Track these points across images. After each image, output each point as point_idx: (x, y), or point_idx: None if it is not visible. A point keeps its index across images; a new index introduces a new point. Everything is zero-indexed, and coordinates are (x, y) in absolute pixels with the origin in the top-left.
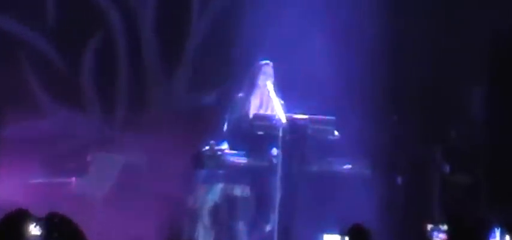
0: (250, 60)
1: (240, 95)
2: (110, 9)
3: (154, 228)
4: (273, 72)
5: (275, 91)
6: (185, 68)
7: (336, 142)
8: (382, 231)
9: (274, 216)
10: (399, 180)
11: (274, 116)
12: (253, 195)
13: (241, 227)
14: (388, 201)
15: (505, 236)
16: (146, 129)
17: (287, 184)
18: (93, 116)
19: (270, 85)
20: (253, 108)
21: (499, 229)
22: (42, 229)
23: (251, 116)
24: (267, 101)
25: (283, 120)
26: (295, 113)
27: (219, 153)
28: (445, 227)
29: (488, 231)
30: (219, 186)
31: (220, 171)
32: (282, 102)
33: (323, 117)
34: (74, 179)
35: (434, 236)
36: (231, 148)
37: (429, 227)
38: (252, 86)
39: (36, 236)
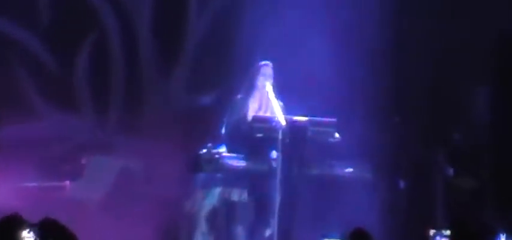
0: (250, 60)
1: (239, 96)
2: (105, 8)
3: (150, 233)
4: (273, 73)
5: (274, 92)
6: (183, 68)
7: (337, 144)
8: (384, 235)
9: (274, 221)
10: (401, 183)
11: (274, 118)
12: (252, 200)
13: (240, 231)
14: (390, 205)
15: None
16: (142, 132)
17: (287, 188)
18: (87, 118)
19: (269, 86)
20: (252, 110)
21: (505, 234)
22: (35, 235)
23: (250, 118)
24: (266, 102)
25: (283, 122)
26: (295, 115)
27: (217, 156)
28: (447, 232)
29: (493, 236)
30: (217, 190)
31: (219, 175)
32: (282, 103)
33: (324, 119)
34: (68, 182)
35: None
36: (229, 151)
37: (432, 232)
38: (251, 87)
39: None
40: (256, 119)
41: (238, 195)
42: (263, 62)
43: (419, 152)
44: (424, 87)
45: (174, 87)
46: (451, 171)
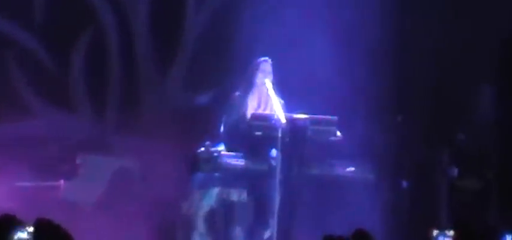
0: (249, 58)
1: (238, 93)
2: (102, 6)
3: (147, 234)
4: (272, 70)
5: (274, 90)
6: (180, 66)
7: (338, 143)
8: (386, 237)
9: (273, 222)
10: (404, 183)
11: (273, 115)
12: (251, 200)
13: (238, 233)
14: (392, 205)
15: None
16: (139, 131)
17: (287, 188)
18: (83, 117)
19: (268, 83)
20: (251, 107)
21: (510, 235)
22: (29, 235)
23: (249, 116)
24: (266, 100)
25: (283, 121)
26: (296, 113)
27: (215, 155)
28: (451, 233)
29: (498, 237)
30: (215, 191)
31: (217, 175)
32: (282, 101)
33: (325, 117)
34: (62, 182)
35: None
36: (227, 150)
37: (435, 232)
38: (250, 84)
39: None
40: (255, 117)
41: (237, 195)
42: (262, 59)
43: (422, 152)
44: (427, 86)
45: (171, 85)
46: (454, 171)
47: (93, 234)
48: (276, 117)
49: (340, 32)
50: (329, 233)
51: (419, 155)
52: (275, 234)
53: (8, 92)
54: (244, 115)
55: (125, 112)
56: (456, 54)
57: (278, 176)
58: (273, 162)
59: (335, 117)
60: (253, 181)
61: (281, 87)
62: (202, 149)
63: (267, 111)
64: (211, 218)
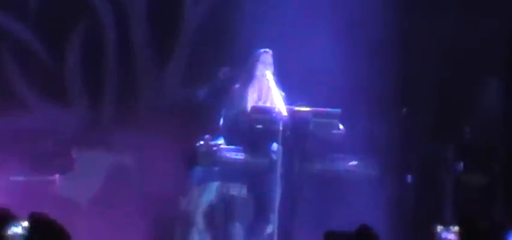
0: (249, 51)
1: (237, 86)
2: None
3: (144, 231)
4: (273, 62)
5: (275, 82)
6: (178, 59)
7: (340, 137)
8: (390, 232)
9: (274, 218)
10: (409, 179)
11: (274, 108)
12: (251, 195)
13: (238, 229)
14: (396, 201)
15: None
16: (136, 125)
17: (288, 183)
18: (79, 111)
19: (269, 75)
20: (252, 100)
21: None
22: (24, 230)
23: (249, 109)
24: (266, 92)
25: (284, 113)
26: (297, 106)
27: (215, 149)
28: (455, 229)
29: (504, 234)
30: (215, 186)
31: (216, 169)
32: (283, 93)
33: (327, 110)
34: (57, 177)
35: (443, 237)
36: (227, 144)
37: (439, 228)
38: (250, 76)
39: (18, 236)
40: (255, 109)
41: (237, 190)
42: (263, 50)
43: (427, 146)
44: (433, 79)
45: (169, 79)
46: (460, 166)
47: (89, 230)
48: (276, 110)
49: (343, 25)
50: (331, 229)
51: (424, 149)
52: (276, 231)
53: (1, 85)
54: (244, 108)
55: (121, 106)
56: (462, 47)
57: (279, 170)
58: (274, 157)
59: (338, 110)
60: (254, 176)
61: (282, 79)
62: (201, 143)
63: (268, 104)
64: (210, 213)
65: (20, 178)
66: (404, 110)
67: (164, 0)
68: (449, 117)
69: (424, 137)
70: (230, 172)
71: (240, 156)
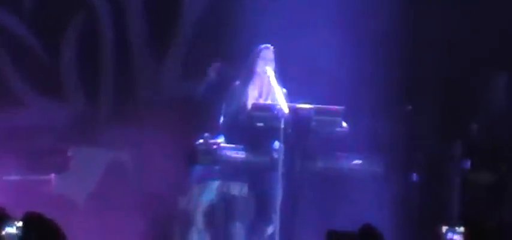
0: (251, 44)
1: (238, 83)
2: None
3: (142, 230)
4: (274, 57)
5: (276, 78)
6: (177, 53)
7: (344, 135)
8: (394, 232)
9: (276, 217)
10: (414, 177)
11: (276, 105)
12: (253, 194)
13: (239, 229)
14: (401, 200)
15: None
16: (134, 122)
17: (290, 182)
18: (75, 107)
19: (270, 71)
20: (252, 97)
21: None
22: (18, 230)
23: (250, 106)
24: (267, 89)
25: (286, 111)
26: (299, 103)
27: (215, 147)
28: (461, 229)
29: None
30: (215, 185)
31: (216, 168)
32: (284, 90)
33: (330, 107)
34: (53, 176)
35: (448, 238)
36: (227, 142)
37: (444, 228)
38: (250, 72)
39: (13, 236)
40: (256, 107)
41: (238, 189)
42: (263, 45)
43: (433, 144)
44: (439, 75)
45: (167, 73)
46: (467, 164)
47: (86, 230)
48: (278, 107)
49: (347, 18)
50: (334, 228)
51: (430, 147)
52: (277, 230)
53: None
54: (245, 105)
55: (119, 101)
56: (469, 43)
57: (280, 169)
58: (275, 155)
59: (341, 107)
60: (255, 175)
61: (283, 76)
62: (201, 141)
63: (269, 101)
64: (210, 213)
65: (15, 177)
66: (409, 107)
67: None
68: (456, 114)
69: (430, 135)
70: (230, 171)
71: (241, 154)
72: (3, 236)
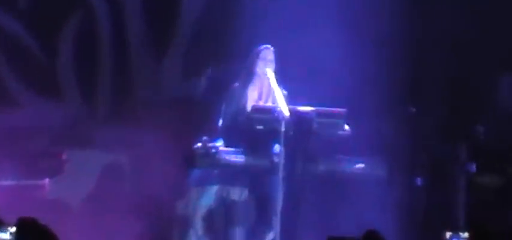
0: (251, 44)
1: (237, 84)
2: None
3: (138, 236)
4: (275, 58)
5: (277, 80)
6: (176, 53)
7: (346, 138)
8: (398, 238)
9: (276, 222)
10: (418, 181)
11: (276, 108)
12: (253, 198)
13: (239, 234)
14: (405, 205)
15: None
16: (131, 123)
17: (290, 185)
18: (71, 107)
19: (270, 73)
20: (252, 99)
21: None
22: (12, 236)
23: (249, 108)
24: (268, 91)
25: (286, 113)
26: (300, 105)
27: (214, 150)
28: (465, 235)
29: None
30: (214, 189)
31: (215, 172)
32: (285, 92)
33: (332, 109)
34: (47, 181)
35: None
36: (227, 145)
37: (448, 234)
38: (250, 73)
39: None
40: (256, 109)
41: (237, 193)
42: (263, 46)
43: (438, 146)
44: (443, 75)
45: (166, 74)
46: (473, 167)
47: (81, 235)
48: (278, 109)
49: (349, 17)
50: (336, 234)
51: (435, 149)
52: (278, 235)
53: None
54: (244, 107)
55: (116, 102)
56: (475, 41)
57: (281, 173)
58: (276, 159)
59: (343, 110)
60: (255, 178)
61: (284, 77)
62: (200, 144)
63: (269, 103)
64: (209, 218)
65: (7, 182)
66: (413, 109)
67: None
68: (461, 115)
69: (434, 137)
70: (230, 175)
71: (240, 158)
72: None
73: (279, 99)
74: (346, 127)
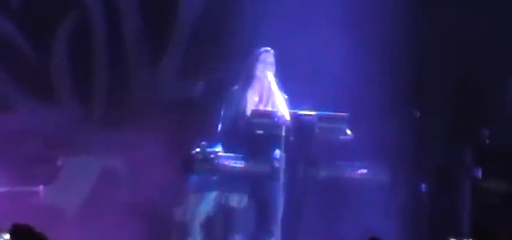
0: (250, 46)
1: (236, 87)
2: None
3: None
4: (275, 61)
5: (277, 83)
6: (174, 54)
7: (348, 142)
8: None
9: (277, 229)
10: (423, 186)
11: (276, 112)
12: (253, 205)
13: None
14: (409, 211)
15: None
16: (128, 128)
17: (291, 192)
18: (66, 111)
19: (271, 76)
20: (252, 103)
21: None
22: None
23: (249, 112)
24: (268, 94)
25: (287, 117)
26: (301, 109)
27: (213, 156)
28: None
29: None
30: (213, 195)
31: (214, 178)
32: (285, 96)
33: (333, 113)
34: (42, 188)
35: None
36: (226, 150)
37: None
38: (250, 77)
39: None
40: (256, 113)
41: (237, 200)
42: (263, 48)
43: (442, 151)
44: (448, 78)
45: (164, 75)
46: (479, 172)
47: None
48: (279, 113)
49: (351, 19)
50: None
51: (440, 154)
52: None
53: None
54: (244, 111)
55: (112, 105)
56: (480, 43)
57: (282, 178)
58: (276, 164)
59: (345, 114)
60: (255, 184)
61: (285, 80)
62: (198, 149)
63: (269, 107)
64: (208, 225)
65: (2, 189)
66: (417, 113)
67: None
68: (467, 118)
69: (439, 140)
70: (229, 181)
71: (240, 163)
72: None
73: (279, 103)
74: (348, 132)
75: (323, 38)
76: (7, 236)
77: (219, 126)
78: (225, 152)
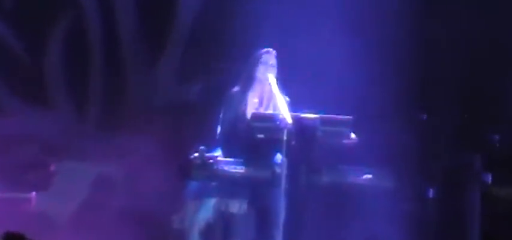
0: (251, 46)
1: (236, 89)
2: None
3: None
4: (276, 63)
5: (278, 85)
6: (171, 56)
7: (352, 147)
8: None
9: (278, 236)
10: (430, 193)
11: (278, 115)
12: (253, 212)
13: None
14: (416, 218)
15: None
16: (124, 132)
17: (293, 198)
18: (60, 115)
19: (272, 78)
20: (252, 106)
21: None
22: None
23: (249, 115)
24: (269, 97)
25: (289, 121)
26: (303, 112)
27: (212, 161)
28: None
29: None
30: (212, 202)
31: (213, 184)
32: (287, 98)
33: (337, 116)
34: (34, 195)
35: None
36: (225, 155)
37: None
38: (250, 79)
39: None
40: (256, 117)
41: (237, 206)
42: (264, 50)
43: (450, 156)
44: (456, 81)
45: (161, 78)
46: (488, 178)
47: None
48: (280, 117)
49: (355, 20)
50: None
51: (447, 159)
52: None
53: None
54: (244, 114)
55: (108, 110)
56: (487, 43)
57: (283, 184)
58: (278, 169)
59: (349, 117)
60: (255, 190)
61: (286, 83)
62: (196, 154)
63: (270, 110)
64: (207, 232)
65: None
66: (424, 116)
67: None
68: (476, 122)
69: (446, 145)
70: (229, 187)
71: (240, 169)
72: None
73: (280, 106)
74: (352, 136)
75: (326, 39)
76: None
77: (218, 130)
78: (225, 157)
